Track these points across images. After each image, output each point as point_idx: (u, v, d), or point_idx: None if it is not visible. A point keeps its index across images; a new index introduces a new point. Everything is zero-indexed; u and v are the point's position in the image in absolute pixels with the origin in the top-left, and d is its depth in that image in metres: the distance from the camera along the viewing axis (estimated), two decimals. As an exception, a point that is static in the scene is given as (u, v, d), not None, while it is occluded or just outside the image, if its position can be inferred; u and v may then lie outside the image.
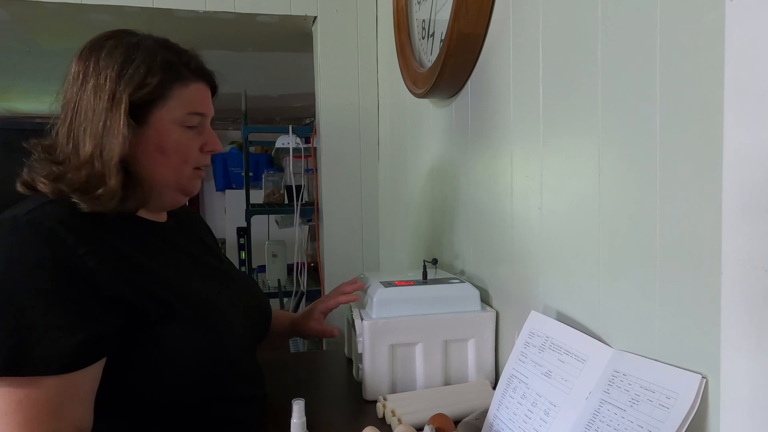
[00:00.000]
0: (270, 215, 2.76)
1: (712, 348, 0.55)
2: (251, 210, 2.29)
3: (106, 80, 0.74)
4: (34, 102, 4.27)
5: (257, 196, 2.58)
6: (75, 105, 0.75)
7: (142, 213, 0.83)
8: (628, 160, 0.67)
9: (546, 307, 0.86)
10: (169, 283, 0.76)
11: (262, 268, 2.68)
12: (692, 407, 0.55)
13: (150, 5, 1.80)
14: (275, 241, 2.67)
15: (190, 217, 1.00)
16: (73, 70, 0.77)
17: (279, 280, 2.55)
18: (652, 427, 0.57)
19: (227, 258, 1.04)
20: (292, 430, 0.66)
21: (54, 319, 0.64)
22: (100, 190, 0.73)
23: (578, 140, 0.77)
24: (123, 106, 0.74)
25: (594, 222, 0.74)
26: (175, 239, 0.87)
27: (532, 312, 0.83)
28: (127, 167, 0.76)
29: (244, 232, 2.37)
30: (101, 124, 0.73)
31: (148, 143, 0.78)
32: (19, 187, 0.77)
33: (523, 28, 0.92)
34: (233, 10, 1.87)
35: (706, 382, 0.56)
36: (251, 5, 1.88)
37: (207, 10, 1.85)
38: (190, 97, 0.80)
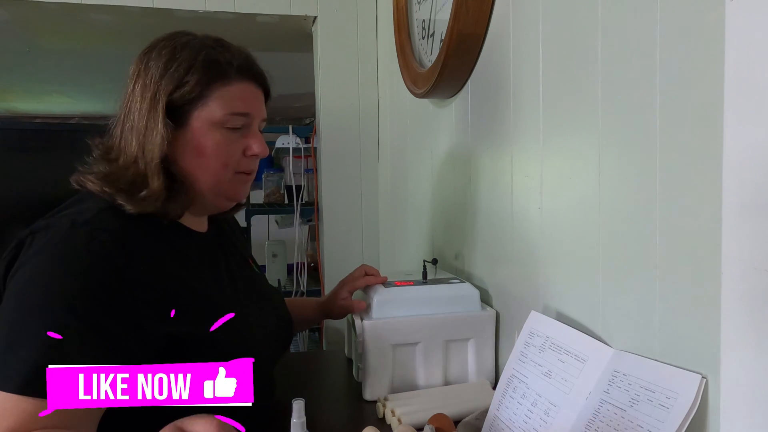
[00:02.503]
0: (270, 215, 2.76)
1: (712, 348, 0.55)
2: (251, 210, 2.29)
3: (151, 80, 0.75)
4: (34, 102, 4.28)
5: (257, 196, 2.58)
6: (127, 105, 0.76)
7: (186, 221, 0.81)
8: (628, 160, 0.67)
9: (546, 307, 0.86)
10: (212, 306, 0.75)
11: (262, 268, 2.68)
12: (692, 407, 0.55)
13: (150, 5, 1.80)
14: (275, 241, 2.66)
15: (227, 222, 0.98)
16: (130, 71, 0.78)
17: (279, 280, 2.54)
18: (652, 427, 0.57)
19: (257, 266, 1.01)
20: (292, 430, 0.66)
21: (85, 347, 0.63)
22: (143, 192, 0.73)
23: (578, 140, 0.77)
24: (161, 105, 0.73)
25: (594, 222, 0.74)
26: (215, 252, 0.86)
27: (532, 312, 0.83)
28: (170, 169, 0.75)
29: (244, 232, 2.37)
30: (143, 124, 0.74)
31: (187, 145, 0.76)
32: (74, 183, 0.77)
33: (523, 28, 0.92)
34: (233, 10, 1.87)
35: (706, 382, 0.56)
36: (251, 5, 1.88)
37: (207, 10, 1.85)
38: (232, 96, 0.78)
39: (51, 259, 0.65)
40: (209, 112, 0.76)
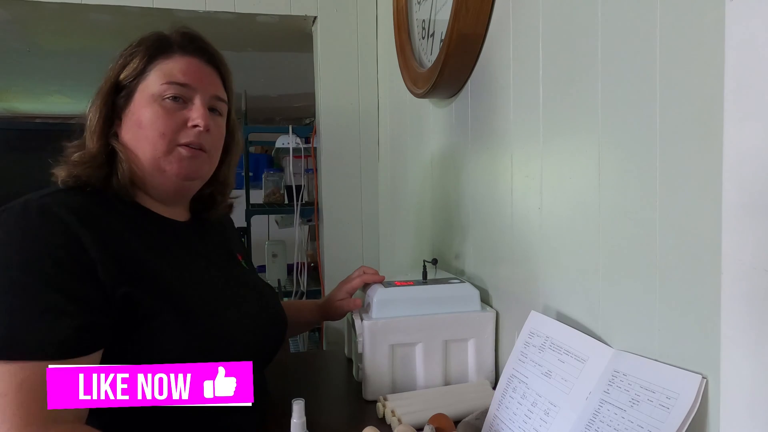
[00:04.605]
0: (270, 215, 2.76)
1: (712, 348, 0.55)
2: (251, 210, 2.29)
3: (109, 69, 0.81)
4: (34, 102, 4.27)
5: (257, 196, 2.58)
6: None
7: (160, 209, 0.83)
8: (628, 160, 0.67)
9: (546, 307, 0.86)
10: (170, 286, 0.75)
11: (262, 268, 2.68)
12: (692, 407, 0.55)
13: (150, 5, 1.81)
14: (275, 241, 2.67)
15: (219, 222, 0.98)
16: None
17: (279, 280, 2.54)
18: (652, 428, 0.57)
19: (247, 262, 1.00)
20: (292, 430, 0.66)
21: (51, 303, 0.65)
22: (76, 155, 0.77)
23: (578, 140, 0.77)
24: (109, 83, 0.79)
25: (594, 222, 0.74)
26: (190, 240, 0.86)
27: (532, 312, 0.83)
28: (111, 140, 0.79)
29: (244, 232, 2.37)
30: (95, 105, 0.79)
31: (130, 119, 0.79)
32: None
33: (523, 28, 0.92)
34: (233, 10, 1.87)
35: (706, 382, 0.56)
36: (251, 5, 1.88)
37: (207, 10, 1.85)
38: (172, 68, 0.80)
39: (5, 235, 0.68)
40: (147, 84, 0.79)
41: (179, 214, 0.86)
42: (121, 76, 0.80)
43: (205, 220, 0.92)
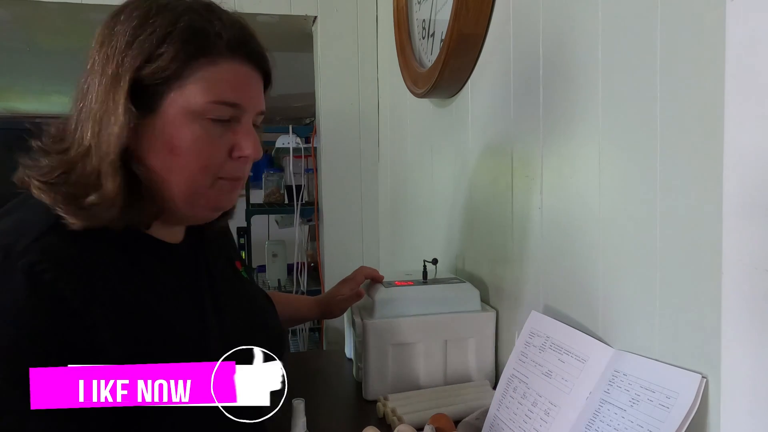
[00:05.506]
0: (270, 215, 2.76)
1: (712, 348, 0.55)
2: (251, 210, 2.29)
3: (115, 51, 0.58)
4: (34, 102, 4.28)
5: (257, 196, 2.58)
6: (86, 82, 0.60)
7: (160, 232, 0.67)
8: (628, 159, 0.67)
9: (546, 307, 0.86)
10: (186, 341, 0.63)
11: (262, 268, 2.68)
12: (692, 407, 0.55)
13: (150, 5, 1.80)
14: (275, 241, 2.67)
15: (213, 231, 0.79)
16: (94, 39, 0.61)
17: (279, 280, 2.54)
18: (653, 427, 0.57)
19: (245, 268, 0.87)
20: (292, 430, 0.66)
21: (35, 420, 0.51)
22: (92, 197, 0.57)
23: (578, 140, 0.77)
24: (124, 85, 0.57)
25: (594, 222, 0.74)
26: (194, 266, 0.71)
27: (532, 312, 0.83)
28: (133, 169, 0.59)
29: (244, 232, 2.37)
30: (101, 107, 0.58)
31: (157, 138, 0.59)
32: (17, 182, 0.62)
33: (523, 28, 0.92)
34: (233, 10, 1.86)
35: (707, 382, 0.56)
36: (251, 5, 1.88)
37: (207, 10, 1.85)
38: (218, 80, 0.60)
39: None
40: (187, 97, 0.59)
41: (177, 232, 0.71)
42: (145, 72, 0.58)
43: (198, 229, 0.75)
